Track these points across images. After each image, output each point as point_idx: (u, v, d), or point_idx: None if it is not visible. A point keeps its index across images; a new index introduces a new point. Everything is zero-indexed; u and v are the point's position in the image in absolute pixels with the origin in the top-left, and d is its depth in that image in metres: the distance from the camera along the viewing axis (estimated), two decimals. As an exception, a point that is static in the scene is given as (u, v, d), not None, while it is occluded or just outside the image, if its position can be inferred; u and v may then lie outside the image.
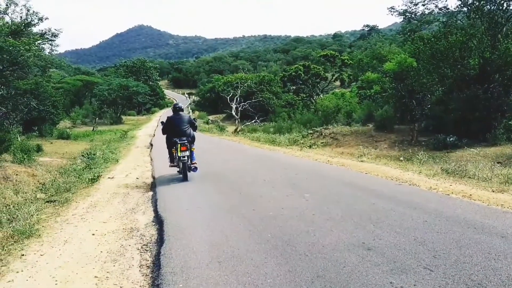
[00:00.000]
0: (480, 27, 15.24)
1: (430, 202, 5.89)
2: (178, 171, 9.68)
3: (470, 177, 7.91)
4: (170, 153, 9.80)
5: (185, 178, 9.10)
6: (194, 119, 10.33)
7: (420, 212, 5.36)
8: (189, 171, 9.19)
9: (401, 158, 12.05)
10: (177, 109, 9.87)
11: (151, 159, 14.01)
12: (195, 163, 9.38)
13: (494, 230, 4.47)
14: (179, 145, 9.01)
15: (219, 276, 3.64)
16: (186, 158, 9.05)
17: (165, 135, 9.82)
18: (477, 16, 16.97)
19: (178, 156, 9.08)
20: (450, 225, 4.74)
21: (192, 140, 9.44)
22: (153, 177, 9.91)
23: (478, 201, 5.93)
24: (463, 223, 4.78)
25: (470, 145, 12.97)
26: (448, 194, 6.45)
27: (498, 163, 9.89)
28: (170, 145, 9.66)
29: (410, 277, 3.39)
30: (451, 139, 13.52)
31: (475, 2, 18.44)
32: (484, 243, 4.08)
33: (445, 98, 15.92)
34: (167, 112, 44.32)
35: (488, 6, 17.69)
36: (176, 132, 9.37)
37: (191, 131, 9.58)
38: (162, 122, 9.98)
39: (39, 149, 14.83)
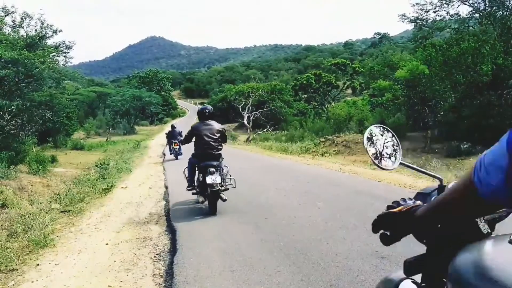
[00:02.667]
0: (493, 33, 15.14)
1: (444, 210, 5.82)
2: (174, 157, 17.32)
3: (485, 185, 7.81)
4: (169, 147, 18.22)
5: (176, 158, 17.08)
6: (181, 132, 17.33)
7: (434, 220, 5.30)
8: (179, 155, 17.14)
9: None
10: (172, 127, 18.86)
11: (164, 169, 14.08)
12: (181, 153, 17.01)
13: (510, 238, 4.40)
14: (173, 143, 17.53)
15: (232, 285, 3.64)
16: (177, 149, 17.29)
17: (167, 139, 18.88)
18: (489, 22, 16.87)
19: (173, 148, 17.51)
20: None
21: (180, 141, 16.08)
22: (166, 187, 9.95)
23: (494, 208, 5.85)
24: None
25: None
26: (463, 202, 6.38)
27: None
28: (170, 143, 18.19)
29: (425, 285, 3.34)
30: (465, 146, 13.39)
31: (487, 8, 18.34)
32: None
33: (458, 105, 15.80)
34: (175, 122, 44.34)
35: (500, 12, 17.58)
36: (172, 138, 17.85)
37: (180, 137, 16.24)
38: (166, 133, 19.13)
39: (53, 159, 15.02)
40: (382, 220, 1.22)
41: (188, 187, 7.10)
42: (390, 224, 1.19)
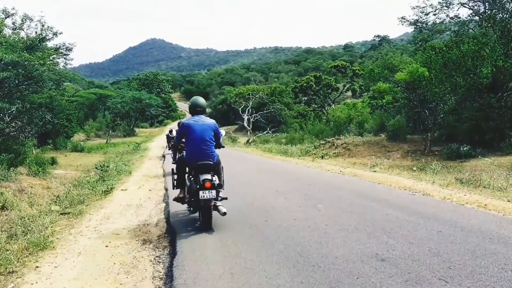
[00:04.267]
0: (493, 36, 15.15)
1: (444, 212, 5.82)
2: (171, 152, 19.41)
3: (484, 187, 7.80)
4: (168, 145, 21.20)
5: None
6: (174, 135, 19.54)
7: (434, 223, 5.30)
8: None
9: (414, 168, 11.95)
10: (170, 131, 20.89)
11: (164, 171, 14.08)
12: None
13: (510, 241, 4.40)
14: (171, 141, 19.04)
15: (232, 288, 3.63)
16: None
17: (167, 139, 22.77)
18: (489, 25, 16.86)
19: (171, 146, 19.44)
20: (465, 235, 4.67)
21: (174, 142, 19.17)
22: (166, 189, 9.95)
23: (494, 211, 5.84)
24: (478, 234, 4.71)
25: (484, 155, 12.83)
26: (463, 204, 6.37)
27: (513, 172, 9.73)
28: (168, 141, 20.79)
29: (425, 288, 3.34)
30: (465, 148, 13.38)
31: (487, 10, 18.36)
32: (500, 254, 4.02)
33: (458, 107, 15.81)
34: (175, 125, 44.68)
35: (500, 15, 17.59)
36: (171, 139, 19.36)
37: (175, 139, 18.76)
38: (166, 135, 22.52)
39: (53, 161, 15.01)
40: (174, 146, 7.60)
41: (172, 162, 12.70)
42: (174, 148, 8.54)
